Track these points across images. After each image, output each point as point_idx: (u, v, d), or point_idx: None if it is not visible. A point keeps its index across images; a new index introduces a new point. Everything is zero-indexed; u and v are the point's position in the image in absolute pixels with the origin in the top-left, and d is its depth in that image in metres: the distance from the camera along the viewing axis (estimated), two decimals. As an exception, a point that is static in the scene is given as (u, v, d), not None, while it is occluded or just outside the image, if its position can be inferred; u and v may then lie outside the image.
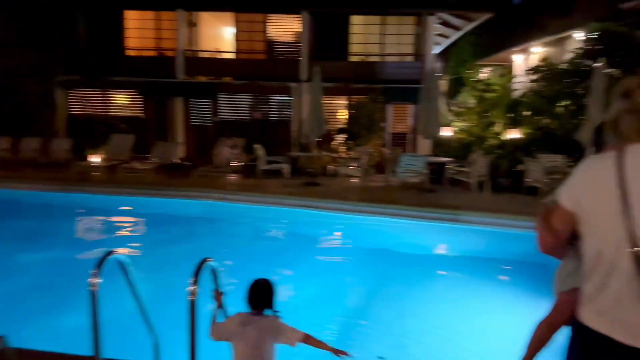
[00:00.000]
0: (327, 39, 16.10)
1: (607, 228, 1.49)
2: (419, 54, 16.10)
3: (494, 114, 13.21)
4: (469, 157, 11.70)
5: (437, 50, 18.40)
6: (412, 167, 10.99)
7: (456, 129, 14.32)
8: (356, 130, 14.97)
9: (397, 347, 4.57)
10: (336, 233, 8.77)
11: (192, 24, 16.87)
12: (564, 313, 1.92)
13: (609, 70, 9.03)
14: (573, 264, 1.72)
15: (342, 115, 16.42)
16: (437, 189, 10.78)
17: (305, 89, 14.93)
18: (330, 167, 13.27)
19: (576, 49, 11.58)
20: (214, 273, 2.86)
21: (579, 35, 13.08)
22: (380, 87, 15.46)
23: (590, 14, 14.62)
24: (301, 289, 5.92)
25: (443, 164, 11.73)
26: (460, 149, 13.24)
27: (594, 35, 10.84)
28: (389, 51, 16.50)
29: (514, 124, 12.64)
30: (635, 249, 1.42)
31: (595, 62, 9.93)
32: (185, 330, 2.60)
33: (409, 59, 16.41)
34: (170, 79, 16.04)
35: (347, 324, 5.03)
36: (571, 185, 1.61)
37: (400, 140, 16.32)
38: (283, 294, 5.50)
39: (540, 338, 2.04)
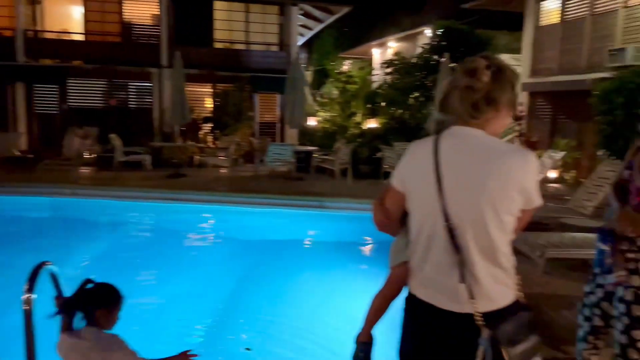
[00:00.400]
0: (189, 23, 15.45)
1: (426, 205, 1.62)
2: (283, 44, 16.23)
3: (355, 104, 13.85)
4: (333, 146, 12.14)
5: (301, 41, 18.74)
6: (280, 156, 11.09)
7: (320, 118, 14.77)
8: (223, 119, 14.68)
9: (266, 336, 4.58)
10: (204, 225, 8.53)
11: (34, 1, 15.02)
12: (396, 285, 2.07)
13: (453, 64, 9.96)
14: (404, 240, 1.86)
15: (209, 103, 15.98)
16: (304, 177, 11.03)
17: (167, 75, 14.22)
18: (197, 158, 12.86)
19: (425, 44, 12.58)
20: (54, 278, 2.56)
21: (428, 32, 14.24)
22: (247, 76, 15.32)
23: (438, 12, 16.02)
24: (169, 285, 5.65)
25: (310, 152, 12.02)
26: (325, 138, 13.71)
27: (439, 32, 11.85)
28: (253, 39, 16.38)
29: (372, 114, 13.38)
30: (448, 222, 1.57)
31: (441, 57, 10.89)
32: (22, 343, 2.30)
33: (274, 48, 16.47)
34: (9, 61, 14.14)
35: (217, 317, 4.92)
36: (400, 168, 1.74)
37: (269, 130, 16.37)
38: (149, 293, 5.23)
39: (376, 310, 2.16)
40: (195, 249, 7.57)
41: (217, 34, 16.04)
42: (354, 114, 13.86)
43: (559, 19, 12.96)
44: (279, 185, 9.92)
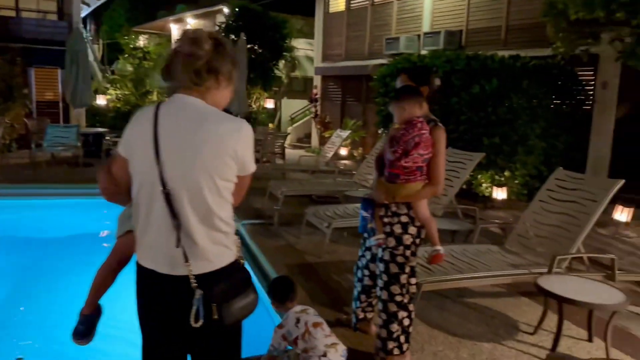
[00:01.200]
0: None
1: (145, 171, 1.63)
2: (64, 13, 14.39)
3: (150, 82, 13.08)
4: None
5: (86, 11, 16.89)
6: (62, 139, 9.90)
7: (112, 97, 13.60)
8: (-11, 97, 12.45)
9: (45, 342, 4.07)
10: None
11: None
12: (121, 254, 2.09)
13: (249, 45, 10.03)
14: (130, 210, 1.82)
15: (-33, 79, 13.36)
16: (94, 163, 10.07)
17: None
18: (-48, 144, 10.72)
19: (221, 22, 12.43)
20: None
21: (227, 11, 14.09)
22: (18, 47, 13.21)
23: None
24: None
25: (100, 135, 11.00)
26: (117, 119, 12.68)
27: (235, 11, 11.81)
28: (26, 6, 14.19)
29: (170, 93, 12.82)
30: (165, 189, 1.59)
31: (237, 36, 10.86)
32: None
33: (53, 17, 14.51)
34: None
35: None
36: (125, 135, 1.71)
37: (51, 110, 14.42)
38: None
39: (101, 281, 2.16)
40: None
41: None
42: (149, 92, 13.06)
43: (345, 7, 14.05)
44: (62, 173, 8.89)
